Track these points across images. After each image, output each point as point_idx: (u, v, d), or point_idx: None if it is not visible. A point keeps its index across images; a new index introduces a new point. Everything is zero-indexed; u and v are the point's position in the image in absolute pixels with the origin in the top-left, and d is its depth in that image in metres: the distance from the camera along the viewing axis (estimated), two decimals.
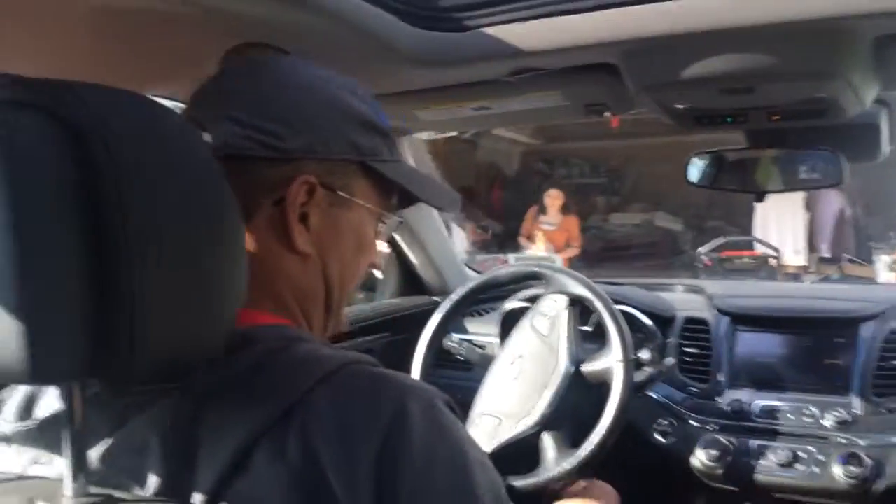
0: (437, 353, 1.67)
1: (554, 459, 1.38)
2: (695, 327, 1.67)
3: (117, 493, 0.57)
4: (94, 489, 0.56)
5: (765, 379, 1.58)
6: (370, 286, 2.04)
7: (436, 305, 1.92)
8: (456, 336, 1.71)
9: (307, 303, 0.75)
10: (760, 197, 1.41)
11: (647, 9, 0.97)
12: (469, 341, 1.72)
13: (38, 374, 0.51)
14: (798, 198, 7.40)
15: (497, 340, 1.71)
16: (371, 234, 0.79)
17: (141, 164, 0.54)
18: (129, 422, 0.61)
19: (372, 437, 0.58)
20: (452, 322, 1.71)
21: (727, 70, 1.01)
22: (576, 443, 1.40)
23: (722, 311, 1.67)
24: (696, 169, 1.44)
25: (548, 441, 1.41)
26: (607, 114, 1.26)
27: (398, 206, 0.82)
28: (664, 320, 1.68)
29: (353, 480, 0.57)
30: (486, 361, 1.63)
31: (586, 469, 1.35)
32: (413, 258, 1.97)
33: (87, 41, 0.93)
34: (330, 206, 0.73)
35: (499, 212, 9.70)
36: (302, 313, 0.75)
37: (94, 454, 0.60)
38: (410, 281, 2.01)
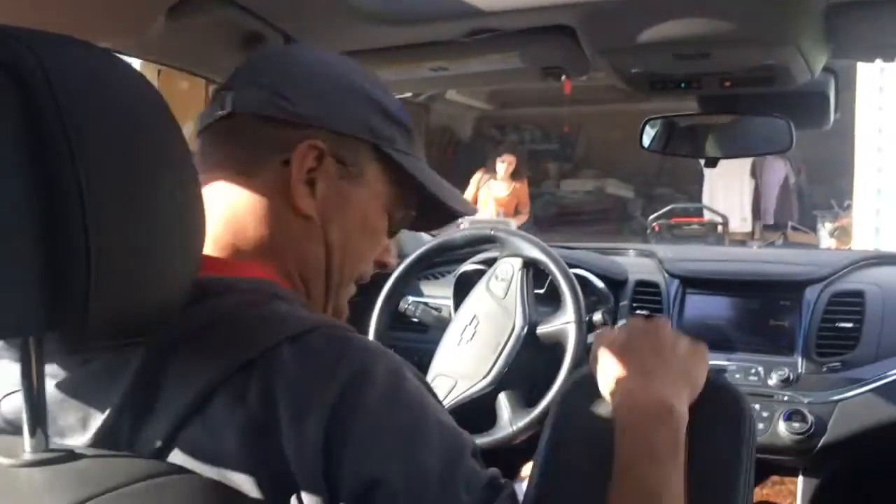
0: (393, 316, 1.68)
1: (509, 419, 1.41)
2: (646, 290, 1.70)
3: (78, 449, 0.56)
4: (54, 443, 0.56)
5: (713, 340, 1.61)
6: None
7: (391, 269, 1.93)
8: (411, 298, 1.72)
9: (308, 270, 0.75)
10: (712, 162, 1.43)
11: None
12: (425, 304, 1.73)
13: None
14: (744, 166, 7.57)
15: (451, 303, 1.72)
16: (378, 222, 0.79)
17: (89, 111, 0.53)
18: (91, 374, 0.61)
19: (329, 387, 0.59)
20: (408, 285, 1.72)
21: (682, 35, 1.02)
22: (530, 402, 1.43)
23: (672, 275, 1.71)
24: (649, 134, 1.46)
25: (503, 401, 1.43)
26: (563, 77, 1.26)
27: (411, 206, 0.81)
28: (617, 283, 1.71)
29: (303, 427, 0.57)
30: (442, 323, 1.64)
31: (540, 427, 1.38)
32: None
33: None
34: (339, 178, 0.74)
35: (451, 177, 9.69)
36: (301, 280, 0.75)
37: (53, 407, 0.59)
38: None
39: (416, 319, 1.70)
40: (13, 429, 0.62)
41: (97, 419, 0.59)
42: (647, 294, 1.70)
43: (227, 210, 0.72)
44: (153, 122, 0.58)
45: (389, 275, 1.68)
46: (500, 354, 1.45)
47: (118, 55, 0.60)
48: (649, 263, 1.81)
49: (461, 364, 1.47)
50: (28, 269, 0.51)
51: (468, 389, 1.44)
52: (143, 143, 0.56)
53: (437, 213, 0.83)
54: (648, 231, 6.38)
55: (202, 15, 0.99)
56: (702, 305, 1.67)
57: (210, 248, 0.69)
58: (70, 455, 0.55)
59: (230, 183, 0.73)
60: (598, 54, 1.10)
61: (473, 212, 0.91)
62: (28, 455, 0.54)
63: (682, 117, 1.47)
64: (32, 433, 0.54)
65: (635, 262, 1.84)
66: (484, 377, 1.44)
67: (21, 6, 0.88)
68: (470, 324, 1.51)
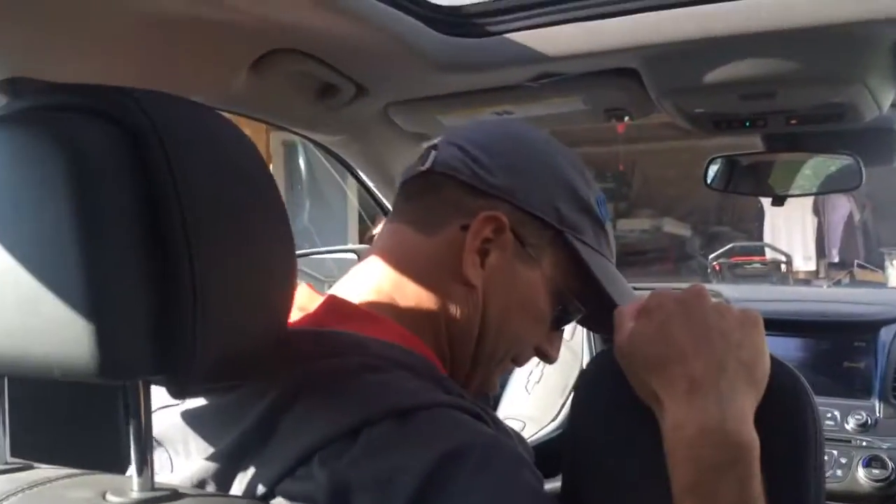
0: None
1: None
2: None
3: (181, 489, 0.58)
4: (160, 483, 0.58)
5: None
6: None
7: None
8: None
9: (457, 341, 0.73)
10: (778, 201, 1.42)
11: (669, 14, 0.99)
12: None
13: (105, 371, 0.53)
14: (807, 203, 7.40)
15: None
16: (544, 308, 0.76)
17: (197, 167, 0.56)
18: (221, 394, 0.63)
19: (416, 469, 0.56)
20: None
21: (748, 75, 1.02)
22: None
23: None
24: (713, 172, 1.45)
25: None
26: (627, 119, 1.27)
27: (584, 301, 0.76)
28: None
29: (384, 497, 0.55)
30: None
31: None
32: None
33: (128, 49, 0.95)
34: (513, 256, 0.73)
35: None
36: (449, 349, 0.74)
37: (174, 434, 0.62)
38: None
39: None
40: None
41: (208, 456, 0.62)
42: None
43: (399, 263, 0.73)
44: (254, 177, 0.61)
45: None
46: (568, 397, 1.44)
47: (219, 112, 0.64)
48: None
49: (529, 407, 1.47)
50: (139, 316, 0.53)
51: (537, 433, 1.43)
52: (245, 198, 0.60)
53: (609, 316, 0.70)
54: (709, 270, 6.27)
55: (281, 68, 1.04)
56: (772, 347, 1.59)
57: (370, 293, 0.71)
58: (175, 494, 0.57)
59: (408, 237, 0.74)
60: (662, 96, 1.11)
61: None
62: (135, 494, 0.56)
63: (747, 156, 1.47)
64: (140, 472, 0.56)
65: None
66: (552, 420, 1.43)
67: (117, 65, 0.94)
68: (536, 367, 1.51)
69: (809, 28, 0.94)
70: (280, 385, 0.61)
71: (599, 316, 0.74)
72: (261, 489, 0.59)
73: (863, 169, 1.28)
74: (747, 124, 1.21)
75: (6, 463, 0.65)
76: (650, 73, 1.08)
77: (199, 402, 0.64)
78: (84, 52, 0.95)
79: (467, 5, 1.09)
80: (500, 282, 0.73)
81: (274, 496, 0.59)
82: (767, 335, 1.63)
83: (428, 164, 0.74)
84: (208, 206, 0.56)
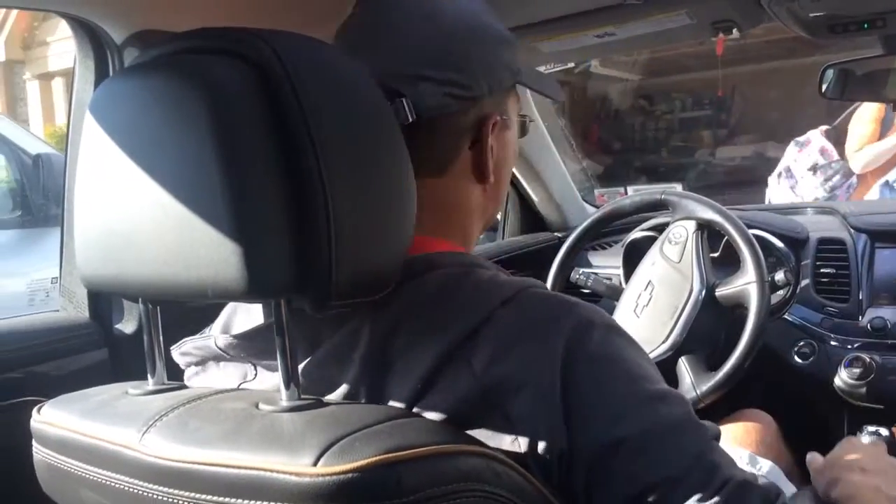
0: (565, 287, 1.70)
1: (691, 383, 1.40)
2: (830, 248, 1.63)
3: (325, 399, 0.63)
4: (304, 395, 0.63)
5: None
6: (493, 225, 2.08)
7: (557, 241, 1.96)
8: (581, 269, 1.73)
9: (482, 224, 0.81)
10: None
11: None
12: (595, 274, 1.74)
13: (254, 291, 0.57)
14: None
15: (621, 272, 1.72)
16: (517, 141, 0.83)
17: (322, 100, 0.59)
18: (326, 338, 0.67)
19: (555, 345, 0.62)
20: (577, 255, 1.73)
21: None
22: (712, 366, 1.41)
23: (858, 230, 1.62)
24: (828, 81, 1.39)
25: (684, 366, 1.42)
26: (734, 31, 1.23)
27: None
28: (796, 242, 1.65)
29: (539, 384, 0.61)
30: (614, 292, 1.64)
31: (724, 391, 1.36)
32: (533, 195, 1.99)
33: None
34: (501, 130, 0.77)
35: (598, 150, 9.53)
36: (472, 234, 0.80)
37: (301, 364, 0.66)
38: (532, 218, 2.04)
39: (587, 290, 1.71)
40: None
41: (336, 376, 0.66)
42: (831, 252, 1.62)
43: (425, 203, 0.72)
44: (375, 110, 0.64)
45: (560, 246, 1.70)
46: (678, 318, 1.43)
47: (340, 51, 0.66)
48: (831, 220, 1.72)
49: (639, 330, 1.47)
50: (281, 240, 0.57)
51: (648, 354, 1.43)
52: (369, 129, 0.63)
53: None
54: None
55: None
56: (893, 260, 1.58)
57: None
58: (320, 403, 0.61)
59: (426, 184, 0.73)
60: (775, 1, 1.07)
61: (559, 94, 0.91)
62: (285, 402, 0.61)
63: (863, 61, 1.39)
64: (287, 385, 0.61)
65: (815, 220, 1.76)
66: (663, 342, 1.43)
67: (229, 14, 0.98)
68: (645, 289, 1.50)
69: None
70: (384, 310, 0.65)
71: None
72: (401, 401, 0.63)
73: None
74: (865, 26, 1.15)
75: (163, 383, 0.71)
76: None
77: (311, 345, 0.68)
78: (197, 2, 0.99)
79: None
80: (502, 158, 0.79)
81: (417, 400, 0.63)
82: (890, 248, 1.57)
83: (412, 117, 0.70)
84: (336, 136, 0.59)
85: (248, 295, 0.58)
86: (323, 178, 0.57)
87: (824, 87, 1.38)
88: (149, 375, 0.71)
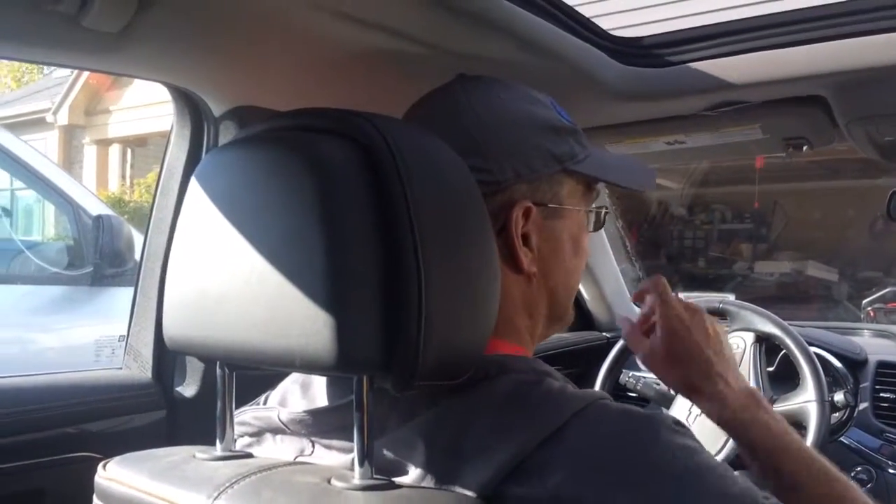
0: (614, 389, 1.67)
1: None
2: (891, 371, 1.59)
3: (399, 481, 0.62)
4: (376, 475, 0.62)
5: None
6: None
7: (605, 341, 1.94)
8: (631, 372, 1.71)
9: (531, 319, 0.78)
10: None
11: (863, 41, 0.97)
12: (644, 378, 1.71)
13: (342, 364, 0.58)
14: None
15: None
16: (584, 234, 0.80)
17: (424, 183, 0.61)
18: (393, 426, 0.66)
19: (629, 461, 0.61)
20: (627, 357, 1.71)
21: None
22: (767, 485, 1.36)
23: None
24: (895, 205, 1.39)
25: None
26: (805, 147, 1.24)
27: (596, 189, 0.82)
28: (855, 363, 1.61)
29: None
30: (663, 398, 1.61)
31: None
32: (584, 292, 1.99)
33: (333, 78, 1.03)
34: (545, 220, 0.75)
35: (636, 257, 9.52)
36: (529, 333, 0.78)
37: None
38: (580, 315, 2.03)
39: (635, 394, 1.68)
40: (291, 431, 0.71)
41: (406, 472, 0.64)
42: (891, 376, 1.59)
43: None
44: (469, 199, 0.65)
45: (608, 347, 1.69)
46: None
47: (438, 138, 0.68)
48: (890, 344, 1.70)
49: None
50: (371, 316, 0.58)
51: None
52: (462, 217, 0.64)
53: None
54: (863, 317, 5.87)
55: None
56: None
57: None
58: (392, 484, 0.61)
59: None
60: (852, 123, 1.08)
61: (652, 180, 0.89)
62: (358, 481, 0.60)
63: None
64: (361, 463, 0.61)
65: (873, 342, 1.73)
66: (717, 453, 1.39)
67: (326, 94, 1.02)
68: None
69: None
70: (455, 409, 0.64)
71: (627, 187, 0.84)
72: (471, 493, 0.61)
73: None
74: None
75: (231, 451, 0.71)
76: (840, 100, 1.06)
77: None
78: (294, 83, 1.03)
79: (648, 36, 1.11)
80: (550, 250, 0.75)
81: (488, 500, 0.61)
82: None
83: None
84: (433, 220, 0.60)
85: (336, 368, 0.58)
86: (419, 259, 0.58)
87: (893, 210, 1.38)
88: (217, 441, 0.71)
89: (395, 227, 0.59)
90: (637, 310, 2.10)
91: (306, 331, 0.58)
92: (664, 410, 1.52)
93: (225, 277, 0.64)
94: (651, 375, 1.78)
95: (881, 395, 1.58)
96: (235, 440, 0.78)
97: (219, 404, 0.71)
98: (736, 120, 1.17)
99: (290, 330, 0.59)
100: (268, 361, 0.63)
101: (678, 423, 0.67)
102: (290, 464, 0.68)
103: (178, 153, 1.10)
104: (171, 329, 0.69)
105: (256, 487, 0.61)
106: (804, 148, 1.23)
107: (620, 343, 1.67)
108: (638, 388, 1.66)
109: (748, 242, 10.28)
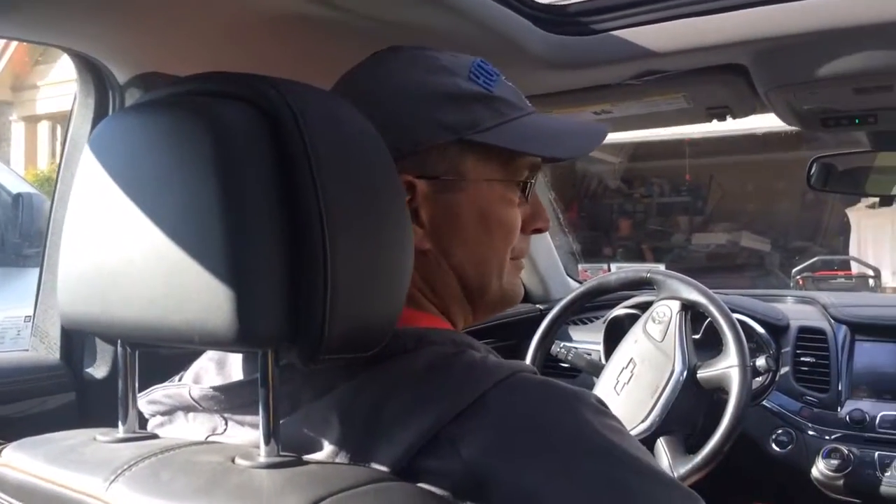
0: (545, 360, 1.68)
1: (669, 466, 1.37)
2: (811, 336, 1.64)
3: (306, 457, 0.60)
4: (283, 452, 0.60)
5: (887, 389, 1.54)
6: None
7: (539, 313, 1.95)
8: (562, 343, 1.72)
9: (443, 297, 0.75)
10: (887, 200, 1.38)
11: (781, 7, 0.97)
12: (575, 348, 1.73)
13: (244, 339, 0.55)
14: (895, 215, 7.12)
15: (602, 348, 1.71)
16: (501, 206, 0.75)
17: (327, 146, 0.58)
18: (307, 401, 0.65)
19: (542, 434, 0.60)
20: (559, 328, 1.72)
21: (863, 68, 1.00)
22: (690, 448, 1.39)
23: (839, 321, 1.64)
24: (815, 173, 1.42)
25: (662, 447, 1.40)
26: (728, 117, 1.26)
27: (527, 160, 0.76)
28: (777, 329, 1.66)
29: (519, 476, 0.58)
30: (594, 368, 1.63)
31: (702, 474, 1.34)
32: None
33: (243, 44, 0.99)
34: (439, 193, 0.72)
35: (577, 229, 9.65)
36: (439, 309, 0.75)
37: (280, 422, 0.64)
38: None
39: (567, 364, 1.70)
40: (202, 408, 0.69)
41: (320, 447, 0.63)
42: (811, 341, 1.63)
43: None
44: (379, 166, 0.63)
45: (541, 318, 1.70)
46: (658, 398, 1.42)
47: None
48: (811, 310, 1.74)
49: (619, 408, 1.45)
50: (276, 289, 0.56)
51: None
52: (370, 177, 0.62)
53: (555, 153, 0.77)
54: (792, 285, 6.08)
55: None
56: (873, 353, 1.59)
57: None
58: (300, 461, 0.59)
59: None
60: (772, 91, 1.09)
61: (583, 148, 0.81)
62: (263, 458, 0.58)
63: (849, 156, 1.43)
64: (267, 440, 0.58)
65: (796, 309, 1.77)
66: (642, 421, 1.41)
67: (234, 60, 0.98)
68: (627, 367, 1.49)
69: None
70: (372, 381, 0.63)
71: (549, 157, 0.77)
72: (385, 468, 0.60)
73: None
74: (857, 121, 1.18)
75: (134, 432, 0.68)
76: (759, 68, 1.07)
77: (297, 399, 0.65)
78: (201, 48, 0.99)
79: (573, 3, 1.10)
80: (446, 223, 0.72)
81: (401, 473, 0.60)
82: (870, 341, 1.59)
83: None
84: (340, 189, 0.58)
85: (236, 343, 0.56)
86: (324, 229, 0.56)
87: (812, 178, 1.41)
88: (119, 422, 0.68)
89: (300, 196, 0.56)
90: (572, 282, 2.12)
91: (205, 305, 0.55)
92: (592, 385, 1.54)
93: (122, 251, 0.61)
94: (582, 346, 1.82)
95: (801, 359, 1.62)
96: (148, 418, 0.76)
97: (120, 384, 0.68)
98: (661, 89, 1.17)
99: (189, 305, 0.56)
100: (167, 338, 0.60)
101: (601, 402, 0.66)
102: (195, 443, 0.65)
103: (81, 123, 1.05)
104: (67, 306, 0.66)
105: (155, 469, 0.59)
106: (727, 117, 1.24)
107: (552, 314, 1.68)
108: (569, 358, 1.68)
109: (685, 215, 10.52)
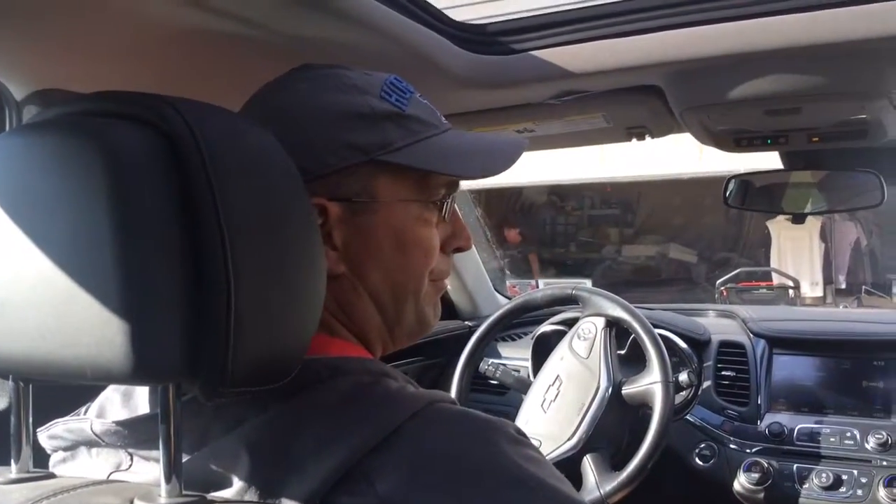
0: (473, 377, 1.68)
1: (595, 482, 1.38)
2: (731, 351, 1.67)
3: (210, 496, 0.57)
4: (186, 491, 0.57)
5: (804, 402, 1.58)
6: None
7: (468, 329, 1.94)
8: (490, 360, 1.72)
9: (359, 323, 0.73)
10: (799, 218, 1.42)
11: (693, 32, 0.99)
12: (503, 365, 1.72)
13: (140, 374, 0.52)
14: (814, 228, 7.41)
15: (530, 364, 1.72)
16: (417, 229, 0.73)
17: (231, 171, 0.56)
18: (216, 436, 0.62)
19: (461, 476, 0.59)
20: (487, 345, 1.72)
21: (773, 91, 1.03)
22: (616, 465, 1.40)
23: (757, 335, 1.67)
24: (732, 190, 1.45)
25: (588, 464, 1.41)
26: (647, 137, 1.27)
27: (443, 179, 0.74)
28: (699, 344, 1.69)
29: None
30: (522, 385, 1.63)
31: (628, 491, 1.35)
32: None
33: (148, 61, 0.95)
34: (352, 216, 0.70)
35: (509, 243, 9.73)
36: (356, 335, 0.73)
37: (185, 459, 0.61)
38: (442, 305, 2.03)
39: (495, 381, 1.69)
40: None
41: (228, 484, 0.60)
42: (731, 355, 1.67)
43: None
44: (287, 189, 0.61)
45: (470, 335, 1.69)
46: (584, 415, 1.43)
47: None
48: (731, 324, 1.78)
49: (546, 425, 1.45)
50: (173, 319, 0.53)
51: (553, 451, 1.41)
52: (279, 209, 0.59)
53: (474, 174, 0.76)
54: (717, 296, 6.25)
55: None
56: (791, 366, 1.63)
57: None
58: (202, 500, 0.56)
59: None
60: (686, 112, 1.11)
61: (490, 170, 0.76)
62: (164, 500, 0.55)
63: (763, 174, 1.47)
64: (168, 479, 0.55)
65: (716, 323, 1.81)
66: (569, 439, 1.42)
67: (138, 77, 0.95)
68: (553, 384, 1.50)
69: (835, 44, 0.94)
70: (284, 414, 0.61)
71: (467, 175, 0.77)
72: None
73: (884, 185, 1.28)
74: (769, 142, 1.21)
75: (28, 471, 0.64)
76: (674, 89, 1.08)
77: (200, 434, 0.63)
78: (105, 64, 0.95)
79: (492, 23, 1.10)
80: (360, 247, 0.70)
81: None
82: (787, 355, 1.63)
83: None
84: (244, 213, 0.56)
85: (131, 378, 0.53)
86: (226, 255, 0.54)
87: (728, 196, 1.44)
88: (12, 461, 0.64)
89: (199, 221, 0.54)
90: (500, 298, 2.13)
91: (98, 339, 0.52)
92: (520, 402, 1.54)
93: (8, 280, 0.57)
94: (511, 362, 1.82)
95: (722, 373, 1.66)
96: (50, 454, 0.71)
97: (13, 420, 0.64)
98: (580, 109, 1.18)
99: (81, 338, 0.53)
100: (58, 374, 0.56)
101: (519, 431, 0.65)
102: (92, 483, 0.61)
103: None
104: None
105: None
106: (646, 136, 1.26)
107: (479, 331, 1.67)
108: (497, 375, 1.68)
109: (616, 227, 10.73)
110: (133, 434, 0.65)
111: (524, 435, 0.65)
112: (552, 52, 1.07)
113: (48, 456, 0.72)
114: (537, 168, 7.80)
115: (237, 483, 0.59)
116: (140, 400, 0.69)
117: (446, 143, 0.74)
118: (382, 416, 0.60)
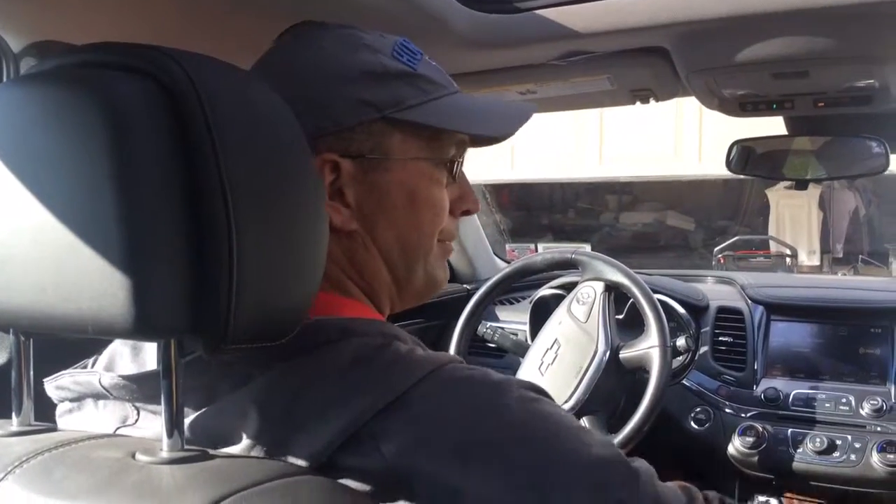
0: (472, 340, 1.68)
1: None
2: (728, 317, 1.68)
3: (212, 450, 0.57)
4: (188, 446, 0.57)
5: (800, 368, 1.59)
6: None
7: (467, 293, 1.95)
8: (489, 323, 1.72)
9: (370, 281, 0.74)
10: (801, 184, 1.42)
11: None
12: (502, 328, 1.73)
13: (141, 329, 0.52)
14: (812, 197, 7.40)
15: (528, 328, 1.72)
16: (428, 188, 0.74)
17: (233, 125, 0.55)
18: (224, 392, 0.62)
19: (466, 427, 0.59)
20: (486, 308, 1.72)
21: (781, 53, 1.01)
22: (612, 428, 1.41)
23: (756, 301, 1.68)
24: (734, 156, 1.45)
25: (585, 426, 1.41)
26: (651, 100, 1.26)
27: (455, 140, 0.75)
28: (697, 309, 1.69)
29: (440, 473, 0.57)
30: (519, 348, 1.64)
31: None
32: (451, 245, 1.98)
33: (145, 13, 0.94)
34: (365, 173, 0.70)
35: (508, 208, 9.73)
36: (366, 294, 0.74)
37: (189, 416, 0.61)
38: None
39: (493, 344, 1.70)
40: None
41: (237, 440, 0.61)
42: (729, 321, 1.67)
43: None
44: (290, 143, 0.60)
45: (469, 298, 1.69)
46: (582, 378, 1.43)
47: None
48: (730, 290, 1.78)
49: (543, 387, 1.46)
50: (175, 274, 0.53)
51: None
52: (280, 158, 0.59)
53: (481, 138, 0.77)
54: (714, 263, 6.27)
55: None
56: (787, 333, 1.64)
57: None
58: (205, 455, 0.56)
59: None
60: (692, 75, 1.10)
61: (509, 130, 0.78)
62: (165, 454, 0.55)
63: (767, 140, 1.46)
64: (170, 434, 0.56)
65: (715, 289, 1.81)
66: (566, 401, 1.42)
67: (136, 29, 0.93)
68: (551, 347, 1.50)
69: (846, 6, 0.92)
70: (293, 373, 0.61)
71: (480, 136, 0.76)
72: (303, 462, 0.58)
73: (888, 151, 1.27)
74: (774, 106, 1.20)
75: (30, 424, 0.64)
76: (680, 51, 1.07)
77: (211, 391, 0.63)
78: (104, 16, 0.94)
79: None
80: (372, 204, 0.71)
81: (321, 469, 0.58)
82: (785, 321, 1.64)
83: None
84: (246, 165, 0.55)
85: (133, 333, 0.53)
86: (229, 211, 0.53)
87: (735, 162, 1.43)
88: (13, 414, 0.64)
89: (201, 176, 0.53)
90: (500, 262, 2.13)
91: (99, 293, 0.52)
92: (518, 365, 1.55)
93: (9, 233, 0.57)
94: (509, 326, 1.82)
95: (720, 338, 1.66)
96: (57, 404, 0.72)
97: (13, 374, 0.64)
98: (585, 70, 1.16)
99: (82, 292, 0.53)
100: (59, 328, 0.56)
101: (533, 387, 0.65)
102: (95, 437, 0.62)
103: None
104: None
105: (48, 466, 0.55)
106: (650, 100, 1.25)
107: (478, 294, 1.67)
108: (495, 338, 1.68)
109: (614, 194, 10.70)
110: (140, 389, 0.65)
111: (538, 390, 0.65)
112: (558, 10, 1.05)
113: (50, 410, 0.72)
114: (537, 168, 7.80)
115: (244, 440, 0.60)
116: (149, 356, 0.69)
117: (457, 103, 0.75)
118: (392, 378, 0.60)
